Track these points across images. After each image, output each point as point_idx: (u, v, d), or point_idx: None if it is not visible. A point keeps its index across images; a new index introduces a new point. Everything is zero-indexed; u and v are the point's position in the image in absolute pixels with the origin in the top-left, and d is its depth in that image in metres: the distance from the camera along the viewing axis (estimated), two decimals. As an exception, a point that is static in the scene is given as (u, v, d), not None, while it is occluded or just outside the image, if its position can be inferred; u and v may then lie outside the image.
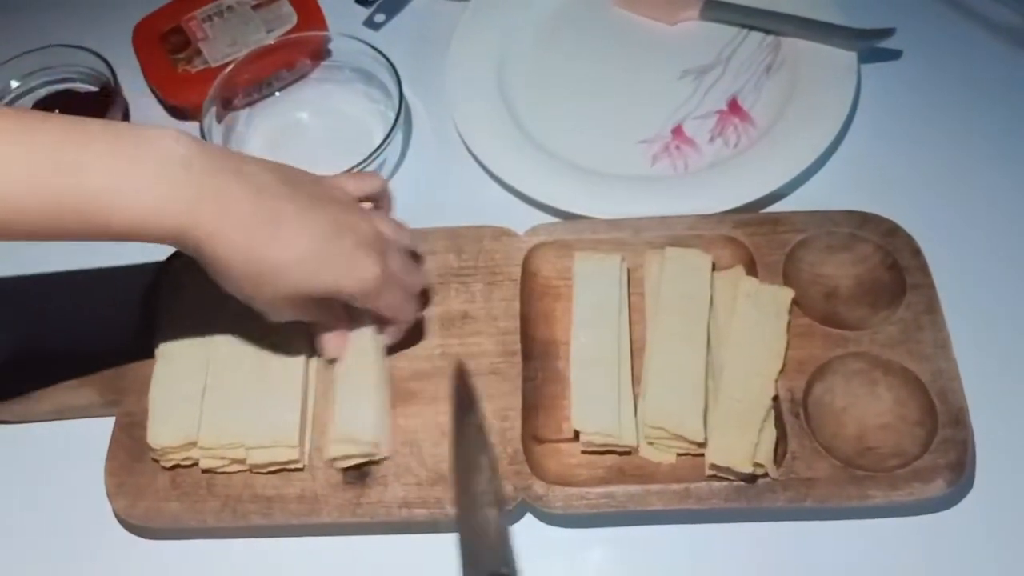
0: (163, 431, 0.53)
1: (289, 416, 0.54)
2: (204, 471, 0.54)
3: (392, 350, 0.57)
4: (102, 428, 0.57)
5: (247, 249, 0.45)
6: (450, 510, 0.52)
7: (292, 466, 0.54)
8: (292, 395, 0.54)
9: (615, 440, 0.53)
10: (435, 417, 0.55)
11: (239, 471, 0.54)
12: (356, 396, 0.54)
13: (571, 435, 0.54)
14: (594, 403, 0.53)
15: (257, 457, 0.53)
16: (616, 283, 0.57)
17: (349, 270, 0.49)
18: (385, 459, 0.54)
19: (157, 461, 0.54)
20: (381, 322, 0.55)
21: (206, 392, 0.55)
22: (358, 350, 0.55)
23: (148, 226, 0.43)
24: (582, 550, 0.54)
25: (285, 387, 0.55)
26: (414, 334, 0.57)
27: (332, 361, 0.56)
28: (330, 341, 0.55)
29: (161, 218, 0.43)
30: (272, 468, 0.54)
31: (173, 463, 0.54)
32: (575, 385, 0.54)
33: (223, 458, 0.53)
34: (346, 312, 0.55)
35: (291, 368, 0.55)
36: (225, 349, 0.56)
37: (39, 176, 0.41)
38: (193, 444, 0.53)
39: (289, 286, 0.48)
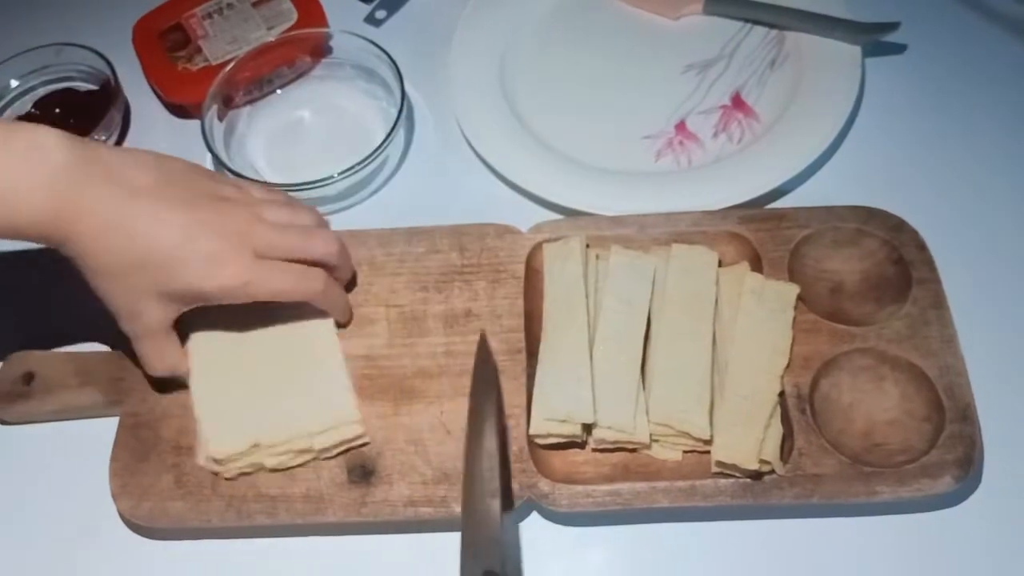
0: (226, 438, 0.52)
1: (344, 392, 0.54)
2: (271, 470, 0.53)
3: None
4: (105, 428, 0.57)
5: (104, 251, 0.48)
6: (456, 509, 0.52)
7: (358, 442, 0.54)
8: (338, 371, 0.55)
9: (628, 436, 0.52)
10: (440, 416, 0.55)
11: (300, 464, 0.54)
12: (567, 373, 0.53)
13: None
14: (611, 398, 0.53)
15: (324, 440, 0.53)
16: (648, 281, 0.57)
17: (207, 271, 0.50)
18: (392, 457, 0.54)
19: (217, 474, 0.53)
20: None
21: (255, 391, 0.54)
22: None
23: (8, 219, 0.46)
24: (588, 548, 0.54)
25: (328, 365, 0.55)
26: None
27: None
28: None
29: (20, 213, 0.46)
30: (341, 449, 0.54)
31: (238, 472, 0.53)
32: (597, 379, 0.53)
33: (288, 451, 0.53)
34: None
35: (326, 346, 0.56)
36: (256, 345, 0.56)
37: None
38: (257, 446, 0.52)
39: (148, 285, 0.49)
